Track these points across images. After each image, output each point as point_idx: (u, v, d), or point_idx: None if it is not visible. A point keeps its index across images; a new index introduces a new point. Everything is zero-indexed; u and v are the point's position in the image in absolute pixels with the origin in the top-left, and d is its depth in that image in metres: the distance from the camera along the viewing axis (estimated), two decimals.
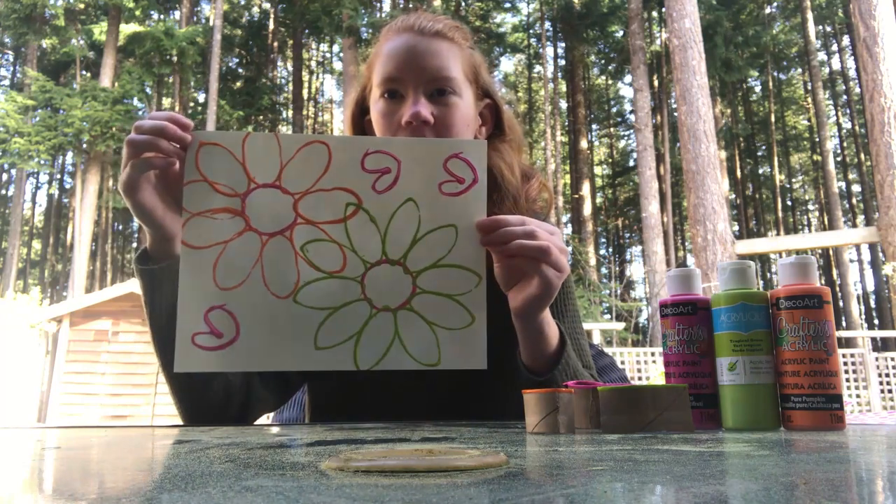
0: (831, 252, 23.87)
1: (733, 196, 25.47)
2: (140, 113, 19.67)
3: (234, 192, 0.80)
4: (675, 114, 12.82)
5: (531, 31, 26.83)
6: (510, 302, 0.88)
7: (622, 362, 9.45)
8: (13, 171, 24.44)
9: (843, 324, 21.29)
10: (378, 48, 1.06)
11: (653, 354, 9.70)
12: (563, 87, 26.91)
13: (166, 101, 23.52)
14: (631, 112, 25.05)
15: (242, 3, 25.39)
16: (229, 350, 0.77)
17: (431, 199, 0.81)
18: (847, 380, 9.43)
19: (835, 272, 23.72)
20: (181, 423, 1.00)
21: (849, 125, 27.01)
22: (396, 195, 0.81)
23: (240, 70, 25.45)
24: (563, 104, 26.75)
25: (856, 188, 27.28)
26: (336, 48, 28.72)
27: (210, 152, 0.80)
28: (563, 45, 26.48)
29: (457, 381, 1.00)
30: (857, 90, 22.08)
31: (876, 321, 26.53)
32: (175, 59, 18.70)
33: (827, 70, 27.15)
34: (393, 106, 1.00)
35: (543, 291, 0.84)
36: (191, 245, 0.78)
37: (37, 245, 32.30)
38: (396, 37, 1.04)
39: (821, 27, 25.77)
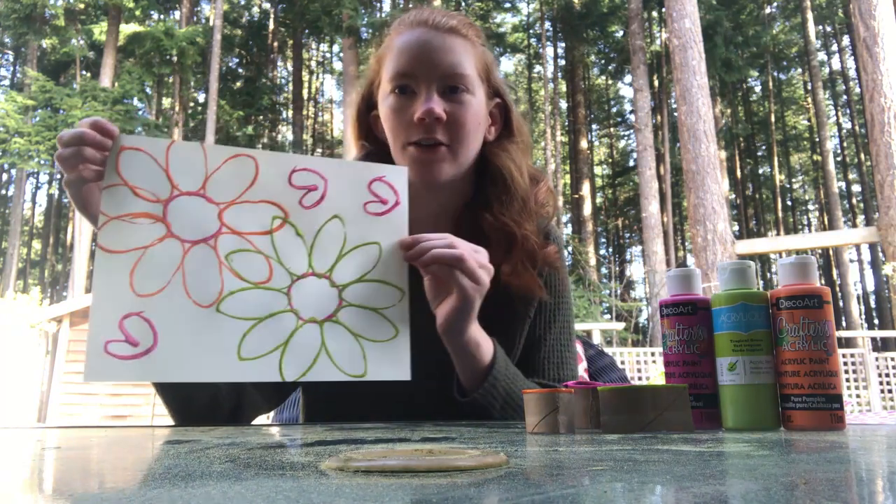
0: (831, 252, 23.87)
1: (733, 196, 25.46)
2: (140, 113, 19.68)
3: (155, 198, 0.77)
4: (675, 114, 12.82)
5: (531, 31, 26.83)
6: (437, 320, 0.89)
7: (622, 362, 9.45)
8: (13, 171, 24.45)
9: (843, 324, 21.28)
10: (389, 42, 1.03)
11: (653, 354, 9.69)
12: (563, 87, 26.89)
13: (166, 101, 23.51)
14: (631, 112, 25.05)
15: (242, 3, 25.38)
16: (146, 359, 0.73)
17: (356, 217, 0.83)
18: (847, 380, 9.42)
19: (835, 272, 23.72)
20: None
21: (849, 125, 27.02)
22: (323, 211, 0.82)
23: (240, 70, 25.44)
24: (563, 104, 26.74)
25: (856, 188, 27.28)
26: (336, 48, 28.72)
27: (132, 157, 0.78)
28: (563, 45, 26.46)
29: (450, 380, 1.00)
30: (857, 90, 22.09)
31: (876, 321, 26.53)
32: (175, 59, 18.69)
33: (827, 70, 27.15)
34: (405, 102, 0.98)
35: (461, 303, 0.85)
36: (107, 249, 0.75)
37: (37, 245, 32.29)
38: (409, 31, 1.01)
39: (821, 27, 25.77)
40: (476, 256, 0.85)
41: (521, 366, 1.06)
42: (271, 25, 25.69)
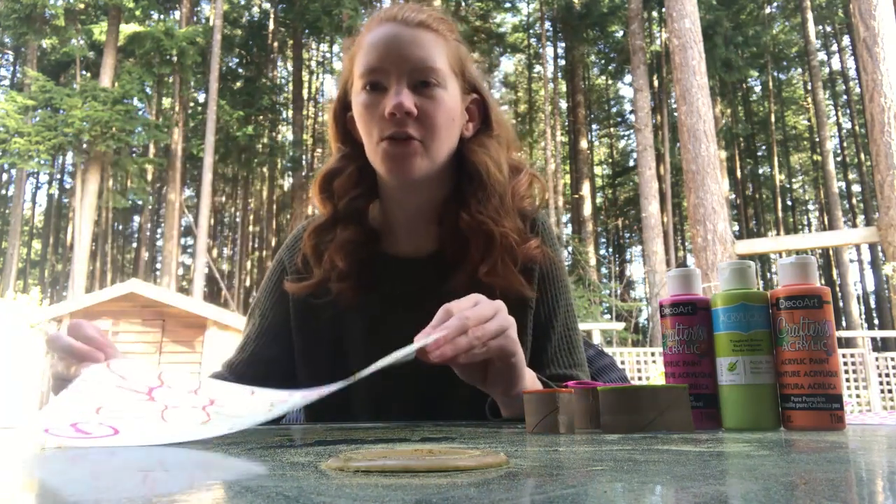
0: (831, 252, 23.88)
1: (733, 196, 25.47)
2: (140, 113, 19.67)
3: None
4: (675, 114, 12.82)
5: (531, 31, 26.83)
6: (493, 393, 0.88)
7: (622, 362, 9.45)
8: (13, 171, 24.45)
9: (843, 324, 21.29)
10: (360, 40, 1.02)
11: (653, 354, 9.70)
12: (563, 87, 26.90)
13: (166, 101, 23.51)
14: (631, 112, 25.06)
15: (242, 3, 25.38)
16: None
17: None
18: (847, 380, 9.43)
19: (835, 272, 23.73)
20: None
21: (849, 125, 27.02)
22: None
23: (240, 70, 25.44)
24: (563, 104, 26.75)
25: (856, 188, 27.29)
26: (336, 48, 28.73)
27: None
28: (563, 45, 26.48)
29: (449, 386, 1.00)
30: (857, 90, 22.09)
31: (876, 321, 26.54)
32: (175, 59, 18.69)
33: (827, 70, 27.16)
34: (375, 98, 0.97)
35: (503, 364, 0.83)
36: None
37: (37, 245, 32.31)
38: (378, 27, 1.00)
39: (821, 27, 25.78)
40: (486, 324, 0.79)
41: (535, 356, 1.06)
42: (271, 25, 25.70)
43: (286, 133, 26.05)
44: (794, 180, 28.98)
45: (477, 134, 1.07)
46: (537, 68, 28.70)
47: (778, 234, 25.30)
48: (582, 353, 1.12)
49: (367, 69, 0.97)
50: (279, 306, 1.11)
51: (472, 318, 0.78)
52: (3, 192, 29.92)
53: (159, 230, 27.44)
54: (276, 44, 25.97)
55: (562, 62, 27.04)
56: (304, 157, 24.93)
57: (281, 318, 1.10)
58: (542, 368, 1.06)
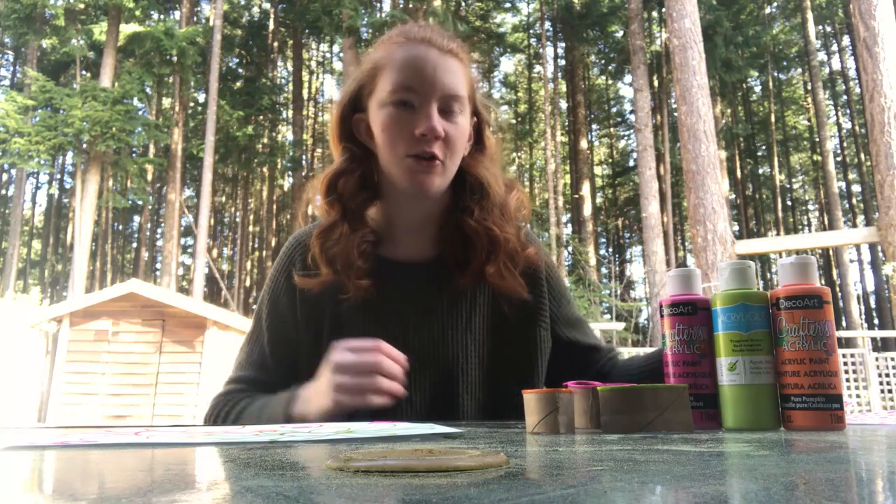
0: (831, 252, 23.87)
1: (733, 196, 25.45)
2: (140, 113, 19.66)
3: None
4: (675, 114, 12.81)
5: (531, 31, 26.84)
6: None
7: None
8: (13, 171, 24.43)
9: (843, 324, 21.28)
10: (388, 52, 1.06)
11: None
12: (563, 87, 26.88)
13: (166, 101, 23.51)
14: (631, 112, 25.03)
15: (242, 3, 25.38)
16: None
17: None
18: (847, 380, 9.41)
19: (835, 272, 23.71)
20: (179, 423, 1.01)
21: (849, 125, 27.01)
22: None
23: (240, 70, 25.42)
24: (563, 104, 26.73)
25: (856, 188, 27.27)
26: (336, 48, 28.72)
27: None
28: (563, 45, 26.46)
29: (456, 385, 1.06)
30: (857, 90, 22.08)
31: (876, 321, 26.51)
32: (175, 59, 18.67)
33: (827, 70, 27.14)
34: (405, 114, 1.01)
35: None
36: None
37: (37, 245, 32.29)
38: (413, 46, 1.04)
39: (821, 27, 25.77)
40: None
41: (573, 349, 1.16)
42: (271, 25, 25.69)
43: (286, 133, 26.04)
44: (794, 180, 28.97)
45: (472, 151, 1.14)
46: (537, 68, 28.69)
47: (778, 234, 25.29)
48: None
49: (400, 86, 1.02)
50: (286, 311, 1.12)
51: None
52: (3, 192, 29.90)
53: (159, 230, 27.41)
54: (276, 44, 25.95)
55: (562, 62, 27.02)
56: (304, 157, 24.93)
57: (289, 322, 1.11)
58: (593, 353, 1.17)
